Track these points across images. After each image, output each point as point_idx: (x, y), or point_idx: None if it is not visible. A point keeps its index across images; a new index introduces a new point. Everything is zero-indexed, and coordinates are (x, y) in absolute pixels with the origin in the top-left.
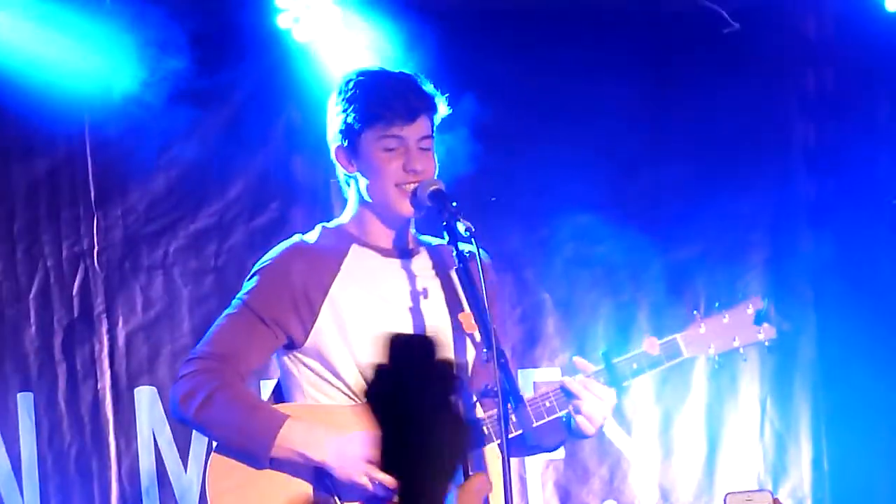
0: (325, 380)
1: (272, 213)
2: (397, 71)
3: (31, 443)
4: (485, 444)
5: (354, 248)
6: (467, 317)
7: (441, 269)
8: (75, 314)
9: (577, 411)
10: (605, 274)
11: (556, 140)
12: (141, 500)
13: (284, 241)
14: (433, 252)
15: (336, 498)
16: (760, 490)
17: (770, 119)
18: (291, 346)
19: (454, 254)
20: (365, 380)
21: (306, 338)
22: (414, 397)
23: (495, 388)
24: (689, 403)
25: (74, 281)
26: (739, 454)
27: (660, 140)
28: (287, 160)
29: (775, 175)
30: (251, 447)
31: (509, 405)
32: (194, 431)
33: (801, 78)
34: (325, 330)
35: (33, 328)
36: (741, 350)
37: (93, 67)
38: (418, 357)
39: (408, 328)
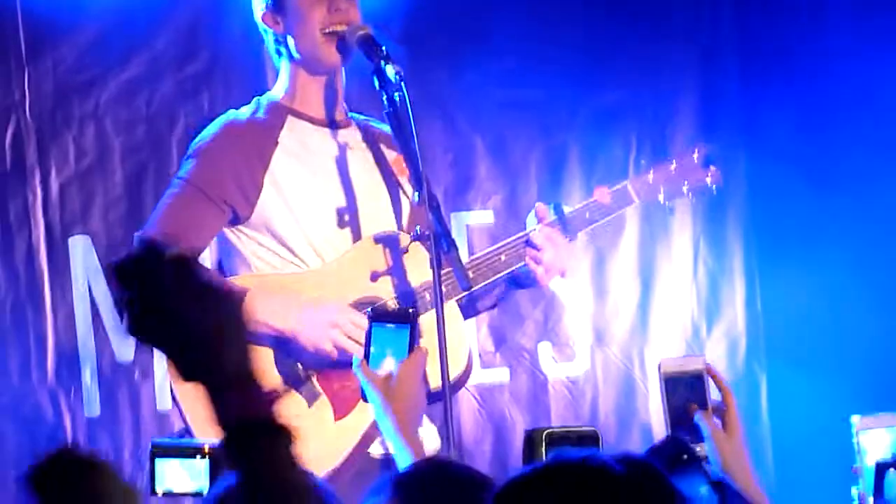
0: (274, 252)
1: (201, 63)
2: None
3: None
4: (423, 312)
5: (290, 119)
6: (398, 161)
7: (372, 140)
8: (7, 166)
9: (538, 262)
10: (536, 117)
11: None
12: (77, 351)
13: (219, 118)
14: (362, 125)
15: (299, 364)
16: (693, 355)
17: None
18: (235, 220)
19: (384, 98)
20: (317, 253)
21: (251, 211)
22: None
23: (427, 232)
24: (622, 244)
25: (6, 133)
26: (673, 294)
27: None
28: (216, 8)
29: (705, 17)
30: None
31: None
32: None
33: None
34: (270, 203)
35: None
36: (690, 195)
37: None
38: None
39: (349, 199)
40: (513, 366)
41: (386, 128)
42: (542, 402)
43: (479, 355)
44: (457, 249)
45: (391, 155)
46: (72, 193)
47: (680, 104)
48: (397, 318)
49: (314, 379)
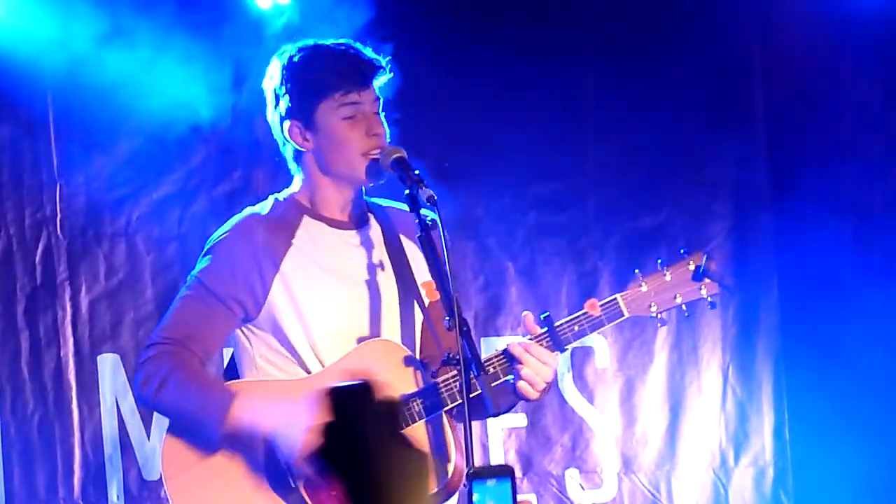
0: (279, 353)
1: (235, 182)
2: (333, 42)
3: None
4: (440, 409)
5: (306, 219)
6: (429, 285)
7: (392, 236)
8: (38, 281)
9: (518, 377)
10: (567, 242)
11: (518, 108)
12: (104, 467)
13: (236, 216)
14: (383, 217)
15: (288, 474)
16: None
17: (732, 88)
18: (246, 319)
19: (416, 222)
20: (318, 357)
21: (259, 311)
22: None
23: (457, 357)
24: (651, 372)
25: (37, 248)
26: (701, 422)
27: (622, 109)
28: (249, 128)
29: (737, 144)
30: (204, 426)
31: (471, 373)
32: None
33: (760, 43)
34: (278, 303)
35: None
36: (683, 307)
37: (54, 33)
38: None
39: (358, 304)
40: (540, 492)
41: (406, 207)
42: None
43: None
44: (487, 374)
45: (412, 248)
46: (101, 310)
47: (712, 231)
48: (497, 474)
49: (301, 488)
